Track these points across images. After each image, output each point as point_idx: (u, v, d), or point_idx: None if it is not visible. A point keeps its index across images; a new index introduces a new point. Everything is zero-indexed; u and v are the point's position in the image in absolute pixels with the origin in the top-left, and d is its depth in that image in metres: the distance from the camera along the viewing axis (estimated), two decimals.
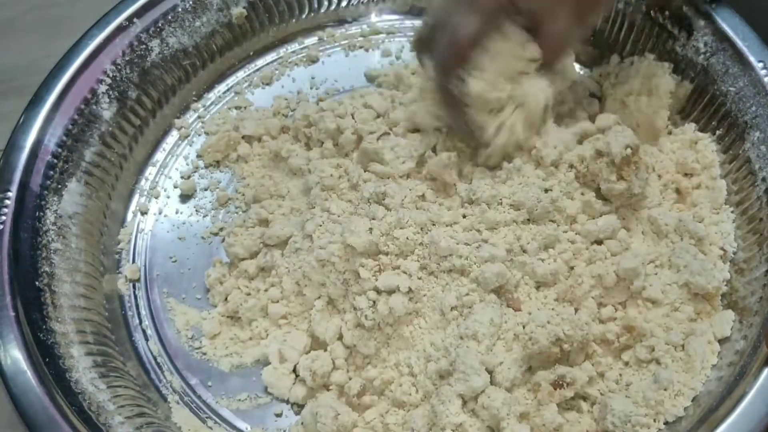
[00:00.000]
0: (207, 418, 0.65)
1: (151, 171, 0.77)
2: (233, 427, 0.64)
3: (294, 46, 0.85)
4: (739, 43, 0.69)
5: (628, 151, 0.63)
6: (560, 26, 0.63)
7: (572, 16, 0.63)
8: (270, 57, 0.84)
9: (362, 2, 0.85)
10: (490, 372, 0.59)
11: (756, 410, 0.54)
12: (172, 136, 0.79)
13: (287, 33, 0.85)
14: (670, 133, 0.72)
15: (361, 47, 0.84)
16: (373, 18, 0.85)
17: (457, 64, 0.62)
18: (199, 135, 0.79)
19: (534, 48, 0.64)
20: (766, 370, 0.55)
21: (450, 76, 0.63)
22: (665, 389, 0.58)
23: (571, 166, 0.65)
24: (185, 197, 0.76)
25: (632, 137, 0.64)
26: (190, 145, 0.79)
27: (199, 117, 0.80)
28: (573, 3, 0.63)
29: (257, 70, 0.83)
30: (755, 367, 0.56)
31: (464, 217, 0.65)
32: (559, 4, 0.63)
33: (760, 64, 0.68)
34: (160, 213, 0.75)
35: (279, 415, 0.65)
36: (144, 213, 0.75)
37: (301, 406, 0.64)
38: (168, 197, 0.76)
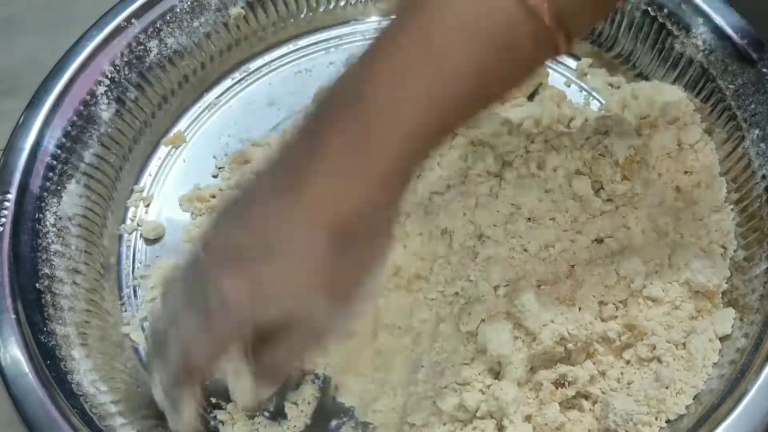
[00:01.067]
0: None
1: (150, 172, 0.77)
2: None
3: (294, 45, 0.84)
4: (738, 41, 0.69)
5: (631, 151, 0.63)
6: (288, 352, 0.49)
7: (303, 346, 0.50)
8: (269, 57, 0.84)
9: (360, 1, 0.85)
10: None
11: (757, 408, 0.54)
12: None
13: (286, 34, 0.84)
14: None
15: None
16: (374, 18, 0.85)
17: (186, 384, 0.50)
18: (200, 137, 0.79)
19: None
20: (767, 367, 0.55)
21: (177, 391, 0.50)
22: (667, 387, 0.58)
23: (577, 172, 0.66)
24: None
25: (634, 137, 0.64)
26: None
27: (198, 117, 0.80)
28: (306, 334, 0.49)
29: (258, 69, 0.83)
30: (756, 365, 0.56)
31: (464, 215, 0.65)
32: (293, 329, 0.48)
33: (759, 63, 0.68)
34: (158, 213, 0.75)
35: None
36: (143, 214, 0.75)
37: None
38: (167, 198, 0.76)
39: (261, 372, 0.49)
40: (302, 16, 0.84)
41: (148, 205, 0.75)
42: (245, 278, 0.46)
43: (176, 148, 0.78)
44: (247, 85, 0.82)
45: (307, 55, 0.84)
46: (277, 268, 0.47)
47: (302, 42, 0.84)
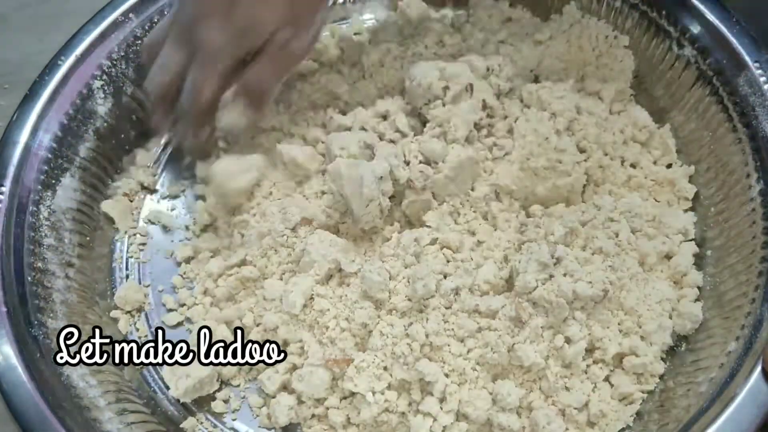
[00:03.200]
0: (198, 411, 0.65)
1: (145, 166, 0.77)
2: (221, 422, 0.64)
3: None
4: (734, 42, 0.68)
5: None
6: (262, 70, 0.67)
7: (275, 64, 0.68)
8: None
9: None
10: None
11: (746, 412, 0.54)
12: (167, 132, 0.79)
13: None
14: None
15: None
16: (367, 15, 0.84)
17: (200, 124, 0.69)
18: None
19: None
20: (756, 372, 0.55)
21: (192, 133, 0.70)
22: None
23: None
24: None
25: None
26: None
27: None
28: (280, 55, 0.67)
29: None
30: (746, 369, 0.56)
31: None
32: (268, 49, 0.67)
33: (756, 64, 0.67)
34: (152, 208, 0.75)
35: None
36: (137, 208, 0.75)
37: None
38: (161, 193, 0.76)
39: (246, 92, 0.68)
40: None
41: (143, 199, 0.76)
42: (224, 21, 0.65)
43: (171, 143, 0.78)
44: None
45: None
46: (250, 8, 0.65)
47: None
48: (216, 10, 0.65)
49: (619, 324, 0.62)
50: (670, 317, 0.63)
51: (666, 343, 0.62)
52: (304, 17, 0.68)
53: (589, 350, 0.61)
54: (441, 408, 0.59)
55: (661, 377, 0.62)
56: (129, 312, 0.69)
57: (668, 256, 0.66)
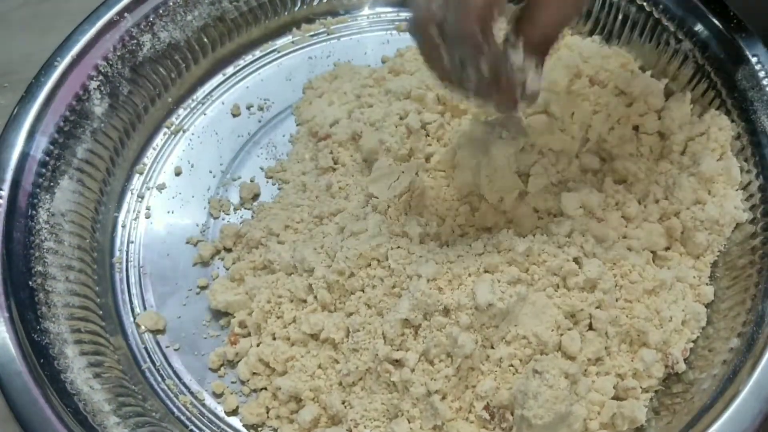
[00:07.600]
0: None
1: (143, 167, 0.77)
2: (227, 424, 0.64)
3: (287, 39, 0.84)
4: (732, 36, 0.68)
5: None
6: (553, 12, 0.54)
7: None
8: (263, 50, 0.83)
9: None
10: None
11: (749, 410, 0.54)
12: (165, 132, 0.79)
13: (280, 25, 0.84)
14: None
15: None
16: (366, 11, 0.85)
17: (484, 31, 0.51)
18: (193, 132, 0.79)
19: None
20: (759, 368, 0.55)
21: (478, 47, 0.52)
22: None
23: None
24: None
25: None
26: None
27: (191, 111, 0.80)
28: None
29: (250, 63, 0.83)
30: (749, 366, 0.56)
31: None
32: None
33: (755, 58, 0.67)
34: (151, 209, 0.75)
35: None
36: (136, 210, 0.75)
37: None
38: (160, 193, 0.76)
39: (530, 43, 0.53)
40: (296, 8, 0.83)
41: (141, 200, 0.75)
42: None
43: (169, 142, 0.78)
44: (242, 79, 0.82)
45: (302, 48, 0.83)
46: None
47: (297, 35, 0.84)
48: None
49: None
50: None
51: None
52: None
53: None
54: None
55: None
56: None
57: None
